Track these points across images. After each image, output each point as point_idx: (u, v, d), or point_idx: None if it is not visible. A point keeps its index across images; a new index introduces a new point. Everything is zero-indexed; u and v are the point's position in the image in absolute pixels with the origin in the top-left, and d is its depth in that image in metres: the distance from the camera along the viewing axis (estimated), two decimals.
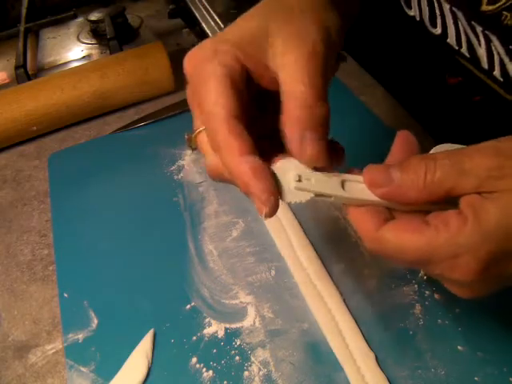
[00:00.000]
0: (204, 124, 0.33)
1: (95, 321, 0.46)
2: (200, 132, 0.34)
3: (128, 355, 0.43)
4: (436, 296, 0.44)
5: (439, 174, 0.29)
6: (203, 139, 0.34)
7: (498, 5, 0.40)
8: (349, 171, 0.33)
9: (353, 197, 0.32)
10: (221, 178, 0.34)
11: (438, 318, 0.42)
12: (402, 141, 0.34)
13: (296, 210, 0.53)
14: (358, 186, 0.32)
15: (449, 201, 0.30)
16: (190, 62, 0.35)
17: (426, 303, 0.44)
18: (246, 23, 0.35)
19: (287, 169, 0.32)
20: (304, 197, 0.32)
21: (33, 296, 0.50)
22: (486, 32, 0.42)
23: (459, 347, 0.40)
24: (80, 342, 0.45)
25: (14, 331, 0.47)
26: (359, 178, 0.32)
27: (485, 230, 0.28)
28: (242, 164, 0.30)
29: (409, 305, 0.44)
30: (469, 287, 0.31)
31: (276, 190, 0.31)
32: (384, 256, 0.31)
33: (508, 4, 0.39)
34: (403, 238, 0.29)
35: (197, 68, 0.34)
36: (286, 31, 0.33)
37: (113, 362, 0.43)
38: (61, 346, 0.45)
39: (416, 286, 0.45)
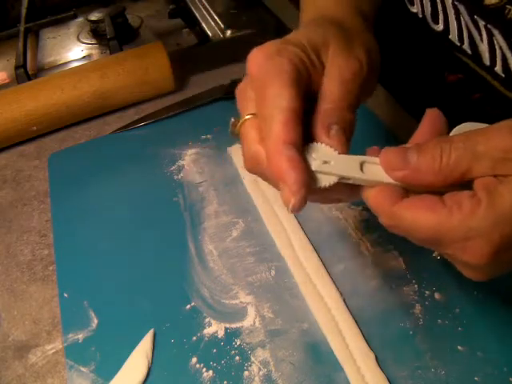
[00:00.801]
0: (262, 111, 0.34)
1: (95, 321, 0.46)
2: (247, 120, 0.36)
3: (128, 355, 0.43)
4: (436, 296, 0.44)
5: (454, 156, 0.29)
6: (248, 127, 0.35)
7: None
8: (369, 151, 0.33)
9: (371, 179, 0.32)
10: (256, 169, 0.35)
11: (438, 318, 0.42)
12: (430, 121, 0.34)
13: None
14: (376, 168, 0.32)
15: (464, 184, 0.30)
16: (254, 60, 0.36)
17: (426, 303, 0.43)
18: (308, 31, 0.38)
19: (307, 152, 0.32)
20: (325, 181, 0.32)
21: (33, 296, 0.50)
22: (489, 26, 0.42)
23: (459, 347, 0.40)
24: (80, 342, 0.45)
25: (14, 331, 0.47)
26: (378, 159, 0.32)
27: (499, 213, 0.28)
28: (283, 152, 0.31)
29: (409, 305, 0.44)
30: (480, 270, 0.32)
31: (308, 185, 0.31)
32: (399, 232, 0.32)
33: None
34: (418, 215, 0.30)
35: (263, 64, 0.35)
36: (338, 46, 0.37)
37: (113, 362, 0.43)
38: (61, 346, 0.45)
39: (416, 285, 0.45)
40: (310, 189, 0.32)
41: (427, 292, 0.44)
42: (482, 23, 0.43)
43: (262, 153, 0.34)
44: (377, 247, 0.48)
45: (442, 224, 0.29)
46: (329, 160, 0.32)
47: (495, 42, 0.43)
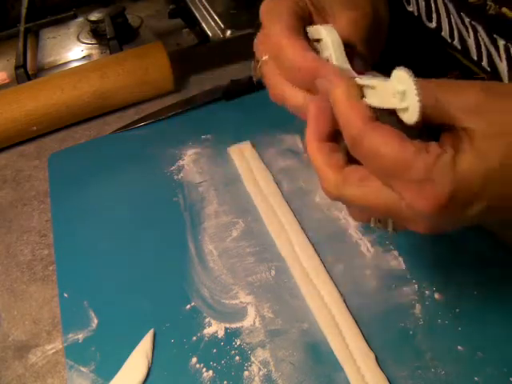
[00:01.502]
0: (268, 42, 0.38)
1: (95, 321, 0.46)
2: (265, 62, 0.39)
3: (128, 355, 0.43)
4: (436, 296, 0.44)
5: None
6: (268, 70, 0.39)
7: None
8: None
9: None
10: (283, 101, 0.39)
11: (438, 318, 0.42)
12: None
13: (296, 209, 0.53)
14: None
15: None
16: (265, 5, 0.40)
17: (426, 303, 0.43)
18: None
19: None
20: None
21: (33, 296, 0.50)
22: (473, 23, 0.44)
23: (459, 347, 0.40)
24: (80, 342, 0.45)
25: (14, 331, 0.47)
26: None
27: (458, 176, 0.28)
28: (308, 56, 0.35)
29: (409, 305, 0.44)
30: (427, 220, 0.31)
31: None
32: (359, 151, 0.31)
33: None
34: (390, 140, 0.29)
35: (272, 6, 0.39)
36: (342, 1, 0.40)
37: (113, 362, 0.43)
38: (61, 346, 0.45)
39: (416, 286, 0.45)
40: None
41: (427, 292, 0.44)
42: (467, 20, 0.44)
43: (282, 87, 0.38)
44: (377, 247, 0.48)
45: (407, 161, 0.29)
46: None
47: (480, 37, 0.44)
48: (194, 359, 0.42)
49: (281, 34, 0.37)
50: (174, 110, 0.70)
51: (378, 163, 0.30)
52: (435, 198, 0.29)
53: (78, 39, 0.90)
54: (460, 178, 0.28)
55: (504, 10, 0.39)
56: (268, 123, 0.65)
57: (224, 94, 0.69)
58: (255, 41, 0.41)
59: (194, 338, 0.44)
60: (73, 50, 0.88)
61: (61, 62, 0.84)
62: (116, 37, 0.81)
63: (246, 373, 0.41)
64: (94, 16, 0.89)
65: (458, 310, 0.43)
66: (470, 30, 0.44)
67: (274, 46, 0.37)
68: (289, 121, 0.65)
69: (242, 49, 0.80)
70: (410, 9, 0.53)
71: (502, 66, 0.42)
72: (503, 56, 0.42)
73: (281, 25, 0.37)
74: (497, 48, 0.42)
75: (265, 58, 0.39)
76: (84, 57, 0.85)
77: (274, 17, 0.38)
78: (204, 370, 0.41)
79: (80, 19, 0.96)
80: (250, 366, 0.41)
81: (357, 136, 0.31)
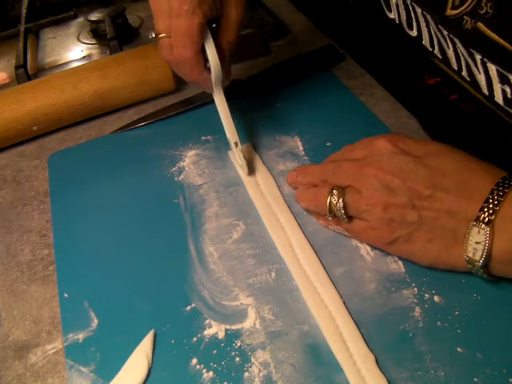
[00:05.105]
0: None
1: (95, 321, 0.46)
2: (162, 38, 0.52)
3: (128, 355, 0.43)
4: (435, 299, 0.44)
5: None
6: (164, 44, 0.52)
7: (459, 10, 0.42)
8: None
9: None
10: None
11: (438, 321, 0.43)
12: None
13: (297, 212, 0.53)
14: None
15: None
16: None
17: (426, 306, 0.44)
18: None
19: None
20: None
21: (33, 296, 0.50)
22: (451, 35, 0.44)
23: (458, 349, 0.41)
24: (80, 341, 0.45)
25: (14, 331, 0.47)
26: None
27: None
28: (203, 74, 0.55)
29: (408, 307, 0.44)
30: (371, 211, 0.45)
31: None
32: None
33: (468, 9, 0.41)
34: None
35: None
36: None
37: (113, 362, 0.43)
38: (61, 346, 0.45)
39: (415, 289, 0.45)
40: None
41: (427, 295, 0.44)
42: (445, 32, 0.45)
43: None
44: (376, 251, 0.48)
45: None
46: None
47: (458, 50, 0.44)
48: (195, 360, 0.42)
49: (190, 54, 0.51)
50: (174, 110, 0.70)
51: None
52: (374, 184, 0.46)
53: (78, 39, 0.90)
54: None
55: (479, 25, 0.40)
56: (268, 125, 0.65)
57: (224, 94, 0.69)
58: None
59: (195, 339, 0.44)
60: (73, 50, 0.88)
61: (61, 62, 0.84)
62: (116, 37, 0.81)
63: (246, 374, 0.41)
64: (94, 16, 0.89)
65: (457, 313, 0.43)
66: (449, 41, 0.45)
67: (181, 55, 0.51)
68: (289, 123, 0.65)
69: (242, 49, 0.81)
70: (391, 16, 0.54)
71: (481, 78, 0.43)
72: (481, 69, 0.42)
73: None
74: (474, 61, 0.43)
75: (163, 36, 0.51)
76: (84, 57, 0.85)
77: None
78: (204, 370, 0.42)
79: (80, 19, 0.96)
80: (250, 367, 0.41)
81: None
